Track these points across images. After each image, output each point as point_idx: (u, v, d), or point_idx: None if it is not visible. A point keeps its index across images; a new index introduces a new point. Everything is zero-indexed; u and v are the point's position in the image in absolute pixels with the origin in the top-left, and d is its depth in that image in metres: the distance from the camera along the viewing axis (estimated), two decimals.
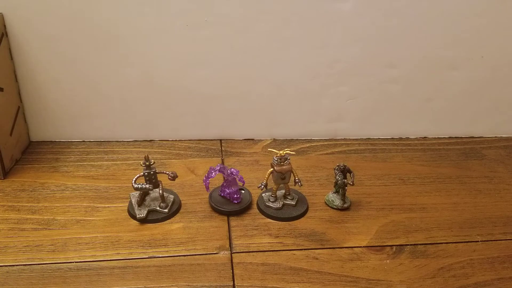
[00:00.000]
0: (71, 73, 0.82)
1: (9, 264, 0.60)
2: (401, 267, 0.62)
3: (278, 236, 0.66)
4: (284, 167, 0.69)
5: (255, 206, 0.72)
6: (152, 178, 0.68)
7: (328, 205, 0.73)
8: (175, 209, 0.70)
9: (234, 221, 0.69)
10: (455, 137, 0.94)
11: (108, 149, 0.86)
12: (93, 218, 0.69)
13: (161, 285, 0.58)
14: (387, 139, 0.93)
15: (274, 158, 0.69)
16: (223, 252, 0.63)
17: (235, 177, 0.70)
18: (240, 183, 0.72)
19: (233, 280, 0.59)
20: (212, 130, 0.90)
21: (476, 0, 0.81)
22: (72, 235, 0.65)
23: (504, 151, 0.89)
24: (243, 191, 0.73)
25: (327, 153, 0.87)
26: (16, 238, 0.65)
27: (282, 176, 0.69)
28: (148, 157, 0.67)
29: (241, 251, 0.64)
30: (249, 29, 0.81)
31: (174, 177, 0.68)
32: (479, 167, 0.84)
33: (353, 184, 0.70)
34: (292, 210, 0.71)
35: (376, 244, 0.65)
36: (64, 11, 0.77)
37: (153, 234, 0.66)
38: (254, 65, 0.84)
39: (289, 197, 0.72)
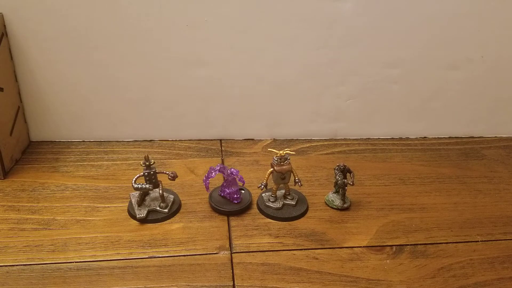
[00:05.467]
0: (71, 73, 0.82)
1: (9, 264, 0.60)
2: (401, 267, 0.62)
3: (278, 236, 0.66)
4: (284, 167, 0.69)
5: (255, 206, 0.72)
6: (152, 178, 0.68)
7: (328, 205, 0.73)
8: (175, 209, 0.70)
9: (234, 221, 0.69)
10: (455, 137, 0.94)
11: (108, 149, 0.86)
12: (93, 218, 0.69)
13: (161, 285, 0.58)
14: (387, 139, 0.93)
15: (274, 158, 0.69)
16: (223, 252, 0.63)
17: (235, 177, 0.70)
18: (240, 183, 0.72)
19: (233, 280, 0.59)
20: (212, 130, 0.90)
21: (476, 0, 0.81)
22: (72, 235, 0.65)
23: (504, 151, 0.89)
24: (243, 191, 0.73)
25: (327, 153, 0.87)
26: (16, 238, 0.65)
27: (282, 176, 0.69)
28: (148, 157, 0.67)
29: (241, 251, 0.64)
30: (249, 29, 0.81)
31: (174, 177, 0.68)
32: (479, 167, 0.84)
33: (353, 184, 0.70)
34: (292, 210, 0.71)
35: (376, 244, 0.65)
36: (64, 11, 0.77)
37: (153, 234, 0.66)
38: (254, 65, 0.84)
39: (289, 197, 0.72)
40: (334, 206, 0.72)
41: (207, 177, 0.69)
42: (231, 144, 0.89)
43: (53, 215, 0.69)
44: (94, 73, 0.82)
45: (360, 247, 0.65)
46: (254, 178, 0.78)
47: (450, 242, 0.66)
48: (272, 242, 0.65)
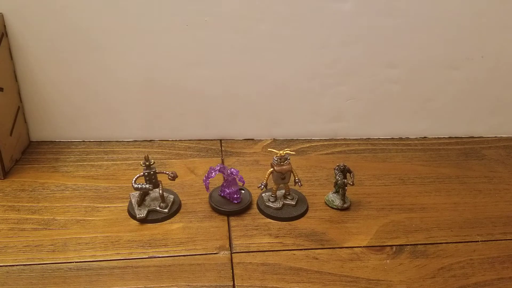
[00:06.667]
0: (71, 73, 0.82)
1: (9, 264, 0.60)
2: (401, 267, 0.62)
3: (278, 236, 0.66)
4: (284, 167, 0.69)
5: (255, 206, 0.72)
6: (152, 178, 0.68)
7: (328, 205, 0.73)
8: (175, 209, 0.70)
9: (234, 221, 0.69)
10: (455, 137, 0.94)
11: (108, 149, 0.86)
12: (93, 218, 0.69)
13: (161, 285, 0.58)
14: (387, 139, 0.93)
15: (274, 158, 0.69)
16: (223, 252, 0.63)
17: (235, 177, 0.70)
18: (240, 183, 0.72)
19: (233, 280, 0.59)
20: (212, 130, 0.90)
21: (476, 0, 0.81)
22: (72, 235, 0.65)
23: (504, 151, 0.89)
24: (243, 191, 0.73)
25: (327, 153, 0.87)
26: (16, 238, 0.65)
27: (282, 176, 0.69)
28: (148, 157, 0.67)
29: (241, 251, 0.64)
30: (249, 29, 0.81)
31: (174, 177, 0.68)
32: (479, 167, 0.84)
33: (353, 184, 0.70)
34: (292, 210, 0.71)
35: (376, 244, 0.65)
36: (64, 11, 0.77)
37: (153, 234, 0.66)
38: (254, 65, 0.84)
39: (289, 197, 0.72)
40: (334, 206, 0.72)
41: (207, 177, 0.69)
42: (231, 144, 0.89)
43: (53, 215, 0.69)
44: (94, 73, 0.82)
45: (360, 247, 0.65)
46: (254, 178, 0.78)
47: (450, 242, 0.66)
48: (272, 242, 0.65)
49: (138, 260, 0.62)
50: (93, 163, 0.82)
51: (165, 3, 0.78)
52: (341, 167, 0.71)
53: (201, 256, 0.63)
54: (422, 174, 0.81)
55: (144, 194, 0.70)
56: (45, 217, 0.69)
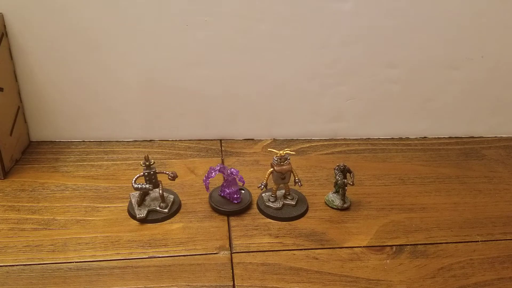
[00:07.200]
0: (71, 73, 0.82)
1: (9, 264, 0.60)
2: (401, 267, 0.62)
3: (278, 236, 0.66)
4: (284, 167, 0.69)
5: (255, 206, 0.72)
6: (152, 178, 0.68)
7: (328, 205, 0.73)
8: (175, 209, 0.70)
9: (234, 221, 0.69)
10: (455, 137, 0.94)
11: (108, 149, 0.86)
12: (93, 218, 0.69)
13: (161, 285, 0.58)
14: (387, 139, 0.93)
15: (274, 158, 0.69)
16: (223, 252, 0.63)
17: (235, 177, 0.70)
18: (240, 183, 0.72)
19: (233, 280, 0.59)
20: (212, 130, 0.90)
21: (476, 0, 0.81)
22: (72, 235, 0.65)
23: (504, 151, 0.89)
24: (243, 191, 0.73)
25: (327, 153, 0.87)
26: (16, 238, 0.65)
27: (282, 176, 0.69)
28: (148, 157, 0.67)
29: (241, 251, 0.64)
30: (249, 29, 0.81)
31: (174, 177, 0.68)
32: (479, 167, 0.84)
33: (353, 184, 0.70)
34: (292, 210, 0.71)
35: (376, 244, 0.65)
36: (64, 11, 0.77)
37: (153, 234, 0.66)
38: (254, 65, 0.84)
39: (289, 197, 0.72)
40: (334, 206, 0.72)
41: (207, 177, 0.69)
42: (231, 144, 0.89)
43: (53, 215, 0.69)
44: (94, 73, 0.82)
45: (360, 247, 0.65)
46: (254, 178, 0.78)
47: (450, 242, 0.66)
48: (272, 242, 0.65)
49: (138, 260, 0.62)
50: (93, 163, 0.82)
51: (165, 3, 0.78)
52: (341, 167, 0.71)
53: (201, 256, 0.63)
54: (422, 174, 0.81)
55: (144, 194, 0.70)
56: (45, 217, 0.69)
